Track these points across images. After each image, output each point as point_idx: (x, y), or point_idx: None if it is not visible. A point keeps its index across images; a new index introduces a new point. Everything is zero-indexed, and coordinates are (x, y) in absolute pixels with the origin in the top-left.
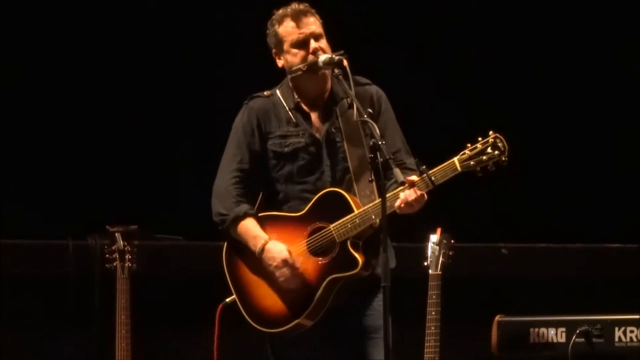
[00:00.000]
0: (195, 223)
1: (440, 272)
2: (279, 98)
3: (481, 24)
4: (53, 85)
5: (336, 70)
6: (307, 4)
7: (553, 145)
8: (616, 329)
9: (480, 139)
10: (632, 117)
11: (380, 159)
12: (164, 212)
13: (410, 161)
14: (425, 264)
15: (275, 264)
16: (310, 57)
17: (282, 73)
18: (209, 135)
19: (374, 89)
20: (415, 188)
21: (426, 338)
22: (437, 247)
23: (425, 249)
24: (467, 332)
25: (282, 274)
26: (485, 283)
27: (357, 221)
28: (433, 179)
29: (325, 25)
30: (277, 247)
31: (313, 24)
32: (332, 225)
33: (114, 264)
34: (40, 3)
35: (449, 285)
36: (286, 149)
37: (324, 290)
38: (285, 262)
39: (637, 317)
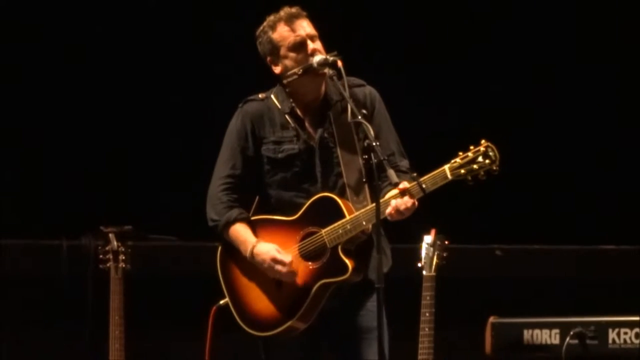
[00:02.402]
0: (189, 223)
1: (434, 273)
2: (274, 102)
3: (475, 27)
4: (50, 85)
5: (330, 71)
6: (298, 7)
7: (548, 146)
8: (610, 330)
9: (471, 147)
10: (629, 118)
11: (374, 160)
12: (158, 212)
13: (404, 163)
14: (420, 265)
15: (266, 265)
16: (310, 59)
17: (276, 77)
18: (203, 135)
19: (367, 90)
20: (406, 195)
21: (420, 339)
22: (432, 248)
23: (419, 250)
24: (461, 334)
25: (275, 271)
26: (479, 284)
27: (348, 227)
28: (424, 186)
29: (317, 27)
30: (264, 247)
31: (308, 25)
32: (323, 231)
33: (108, 264)
34: (41, 3)
35: (443, 287)
36: (280, 155)
37: (315, 294)
38: (274, 260)
39: (631, 318)
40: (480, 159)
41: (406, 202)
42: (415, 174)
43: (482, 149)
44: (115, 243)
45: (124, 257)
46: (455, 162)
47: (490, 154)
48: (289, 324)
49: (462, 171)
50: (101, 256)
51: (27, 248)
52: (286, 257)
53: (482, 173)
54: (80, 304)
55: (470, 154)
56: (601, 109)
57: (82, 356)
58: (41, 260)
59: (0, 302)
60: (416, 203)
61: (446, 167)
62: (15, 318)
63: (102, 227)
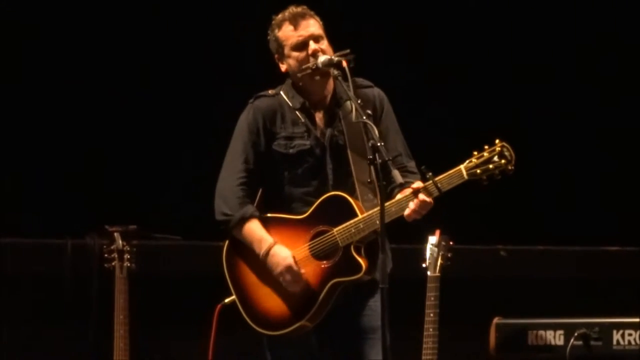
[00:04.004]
0: (194, 223)
1: (438, 274)
2: (284, 98)
3: (484, 29)
4: (52, 85)
5: (335, 72)
6: (305, 7)
7: (552, 147)
8: (614, 332)
9: (486, 147)
10: (631, 118)
11: (379, 160)
12: (162, 211)
13: (412, 164)
14: (424, 265)
15: (279, 270)
16: (311, 60)
17: (283, 75)
18: (208, 134)
19: (376, 91)
20: (422, 194)
21: (424, 340)
22: (436, 249)
23: (423, 250)
24: (465, 334)
25: (285, 279)
26: (484, 285)
27: (361, 226)
28: (439, 185)
29: (326, 26)
30: (283, 252)
31: (312, 25)
32: (335, 229)
33: (113, 263)
34: (43, 3)
35: (447, 287)
36: (291, 151)
37: (326, 293)
38: (289, 269)
39: (635, 320)
40: (495, 158)
41: (424, 200)
42: (430, 173)
43: (497, 148)
44: (120, 242)
45: (128, 256)
46: (471, 161)
47: (506, 153)
48: (300, 323)
49: (478, 171)
50: (106, 255)
51: (31, 247)
52: (301, 269)
53: (497, 173)
54: (85, 303)
55: (485, 153)
56: (603, 108)
57: (87, 355)
58: (46, 259)
59: (5, 301)
60: (432, 202)
61: (462, 167)
62: (20, 317)
63: (107, 226)
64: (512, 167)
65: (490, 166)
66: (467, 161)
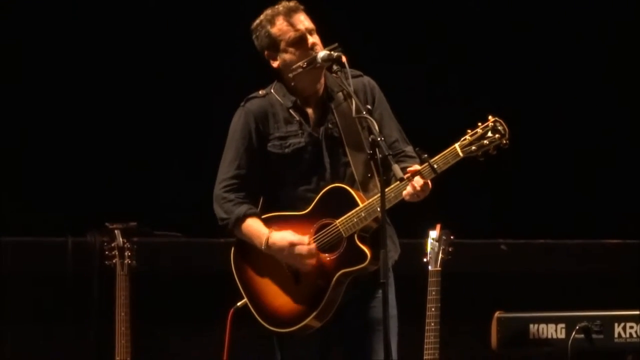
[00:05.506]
0: (194, 220)
1: (439, 268)
2: (276, 97)
3: (477, 15)
4: (52, 84)
5: (334, 67)
6: (296, 1)
7: (552, 140)
8: (616, 324)
9: (479, 123)
10: (630, 113)
11: (379, 155)
12: (163, 208)
13: (409, 149)
14: (425, 260)
15: (285, 252)
16: (311, 53)
17: (274, 71)
18: (207, 131)
19: (366, 80)
20: (419, 176)
21: (426, 334)
22: (437, 243)
23: (424, 245)
24: (466, 328)
25: (296, 256)
26: (485, 279)
27: (363, 214)
28: (435, 166)
29: (314, 18)
30: (278, 235)
31: (305, 19)
32: (338, 221)
33: (113, 260)
34: (43, 3)
35: (448, 282)
36: (287, 150)
37: (335, 286)
38: (292, 244)
39: (636, 313)
40: (489, 134)
41: (419, 182)
42: (426, 155)
43: (490, 124)
44: (120, 239)
45: (129, 254)
46: (465, 139)
47: (499, 128)
48: (305, 322)
49: (473, 148)
50: (107, 252)
51: (32, 245)
52: (303, 238)
53: (492, 148)
54: (86, 301)
55: (479, 130)
56: (603, 104)
57: (88, 353)
58: (47, 257)
59: (6, 299)
60: (429, 183)
61: (457, 145)
62: (21, 315)
63: (108, 223)
64: (507, 141)
65: (485, 142)
66: (462, 139)
